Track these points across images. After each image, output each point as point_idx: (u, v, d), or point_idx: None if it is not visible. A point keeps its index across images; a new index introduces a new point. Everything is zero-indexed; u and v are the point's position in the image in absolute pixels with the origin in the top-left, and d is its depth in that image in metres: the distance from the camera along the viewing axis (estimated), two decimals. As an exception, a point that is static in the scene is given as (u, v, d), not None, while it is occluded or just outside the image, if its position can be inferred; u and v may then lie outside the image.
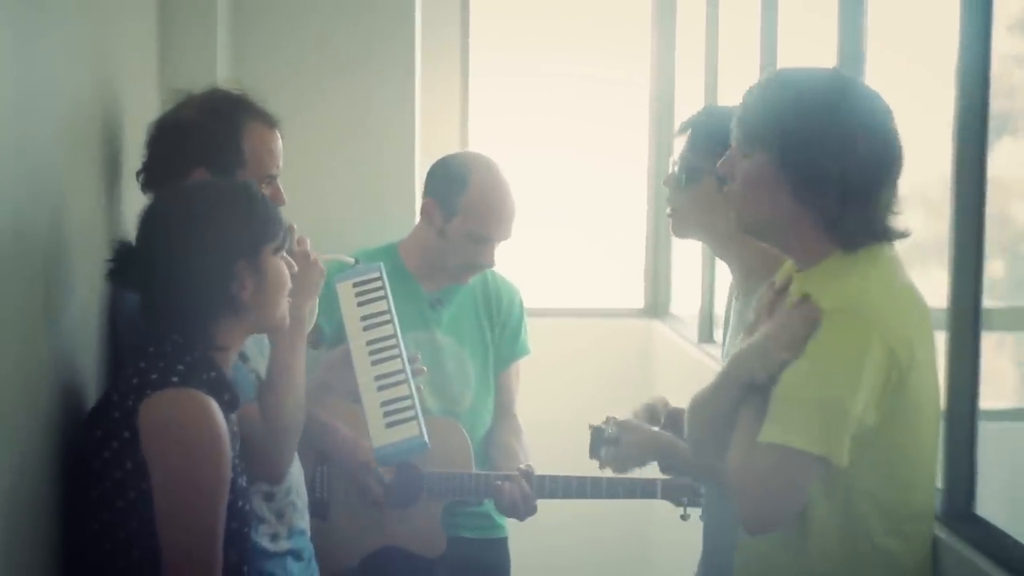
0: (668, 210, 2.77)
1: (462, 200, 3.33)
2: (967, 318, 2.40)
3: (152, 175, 2.71)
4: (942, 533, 2.31)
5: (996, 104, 2.36)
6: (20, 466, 2.02)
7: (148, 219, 2.31)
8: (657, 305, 5.50)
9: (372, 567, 3.31)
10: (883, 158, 2.18)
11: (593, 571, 5.25)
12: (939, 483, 2.41)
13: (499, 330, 3.50)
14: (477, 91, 5.40)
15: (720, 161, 2.30)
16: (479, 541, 3.46)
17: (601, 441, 2.84)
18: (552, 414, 4.56)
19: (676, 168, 2.72)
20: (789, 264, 2.34)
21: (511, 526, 3.50)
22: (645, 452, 2.80)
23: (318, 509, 3.24)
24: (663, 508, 3.31)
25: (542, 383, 4.15)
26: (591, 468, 3.66)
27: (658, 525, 4.99)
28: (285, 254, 2.34)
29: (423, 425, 2.82)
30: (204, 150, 2.64)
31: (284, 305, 2.34)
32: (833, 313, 2.14)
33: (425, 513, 3.31)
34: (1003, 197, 2.63)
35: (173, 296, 2.23)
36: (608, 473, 2.95)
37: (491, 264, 3.37)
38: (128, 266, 2.26)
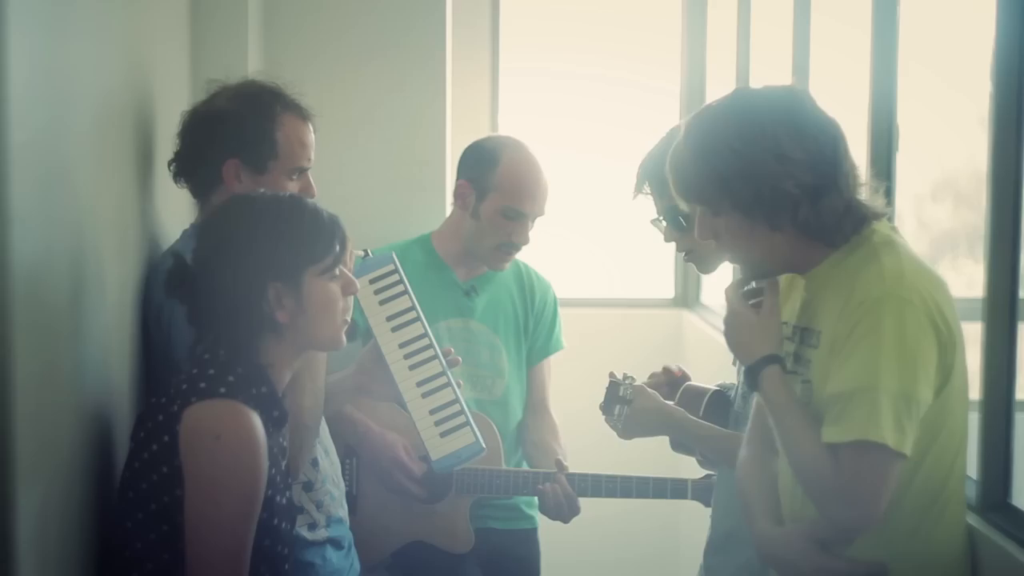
0: (683, 255, 2.77)
1: (494, 177, 3.33)
2: (1003, 309, 2.38)
3: (184, 164, 2.72)
4: (977, 523, 2.30)
5: None
6: (56, 466, 2.03)
7: (203, 231, 2.29)
8: (687, 295, 5.48)
9: (403, 562, 3.32)
10: (821, 146, 2.14)
11: (623, 562, 5.24)
12: (974, 473, 2.40)
13: (534, 322, 3.50)
14: (506, 89, 5.38)
15: (696, 231, 2.27)
16: (509, 532, 3.46)
17: (615, 398, 2.82)
18: (581, 404, 4.53)
19: (664, 223, 2.73)
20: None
21: (540, 516, 3.49)
22: (654, 422, 2.78)
23: (348, 503, 3.24)
24: (694, 509, 3.30)
25: (572, 373, 4.14)
26: (619, 457, 3.67)
27: (688, 517, 4.98)
28: (341, 271, 2.28)
29: (476, 429, 2.82)
30: (237, 140, 2.64)
31: (333, 326, 2.28)
32: (879, 301, 2.10)
33: (453, 509, 3.32)
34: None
35: (212, 312, 2.22)
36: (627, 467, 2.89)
37: (525, 241, 3.36)
38: (179, 279, 2.24)
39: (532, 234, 3.37)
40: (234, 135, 2.65)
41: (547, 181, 3.38)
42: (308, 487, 2.71)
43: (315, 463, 2.72)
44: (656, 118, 5.50)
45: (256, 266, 2.20)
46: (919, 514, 2.17)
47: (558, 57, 5.52)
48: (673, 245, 2.77)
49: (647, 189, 2.75)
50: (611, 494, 3.29)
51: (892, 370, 2.07)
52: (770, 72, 4.48)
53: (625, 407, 2.80)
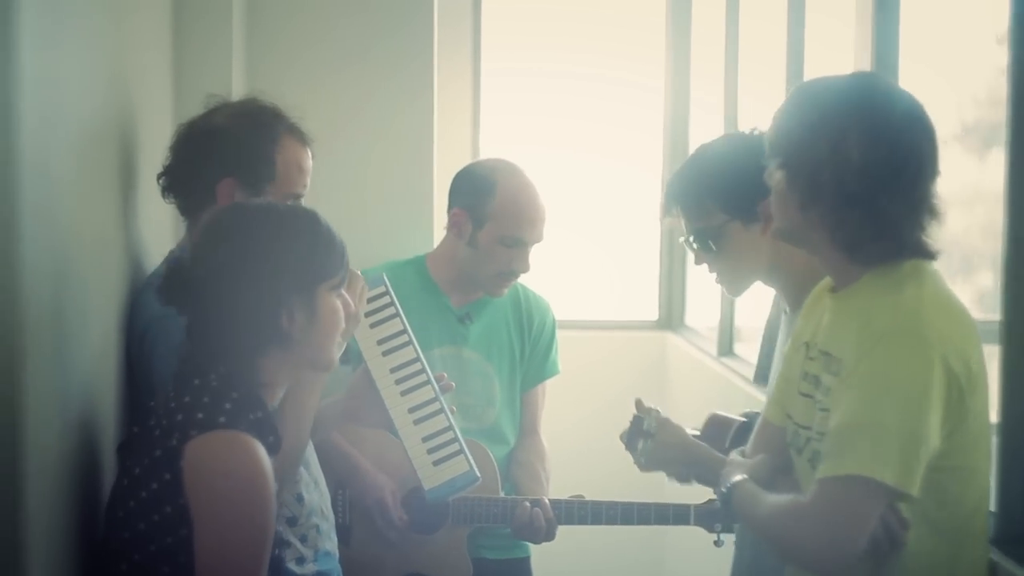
0: (715, 279, 2.69)
1: (491, 206, 3.24)
2: (1021, 332, 2.30)
3: (175, 179, 2.62)
4: (997, 557, 2.22)
5: (989, 115, 2.26)
6: (40, 493, 1.93)
7: (207, 236, 2.18)
8: (671, 317, 5.41)
9: None
10: (883, 164, 2.06)
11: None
12: (992, 505, 2.32)
13: (530, 348, 3.42)
14: (488, 91, 5.30)
15: (766, 172, 2.22)
16: (502, 562, 3.37)
17: (639, 432, 2.73)
18: (566, 426, 4.50)
19: (695, 243, 2.65)
20: (825, 282, 2.26)
21: (533, 545, 3.40)
22: (677, 456, 2.69)
23: (341, 534, 3.13)
24: (682, 532, 3.22)
25: (555, 395, 4.08)
26: (605, 480, 3.59)
27: (676, 547, 4.91)
28: (344, 292, 2.22)
29: (470, 458, 2.73)
30: (236, 160, 2.55)
31: (335, 345, 2.21)
32: (891, 335, 2.02)
33: (450, 539, 3.23)
34: (996, 207, 2.53)
35: (222, 322, 2.11)
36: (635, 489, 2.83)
37: (526, 269, 3.28)
38: (180, 285, 2.13)
39: (531, 260, 3.28)
40: (233, 153, 2.56)
41: (544, 206, 3.30)
42: (292, 522, 2.60)
43: (299, 498, 2.62)
44: (640, 116, 5.44)
45: (277, 278, 2.11)
46: (941, 554, 2.09)
47: (540, 57, 5.46)
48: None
49: (676, 212, 2.67)
50: (611, 521, 3.20)
51: (897, 406, 1.99)
52: (758, 68, 4.42)
53: (649, 441, 2.71)
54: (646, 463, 2.72)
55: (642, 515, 3.18)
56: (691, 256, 2.73)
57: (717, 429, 2.76)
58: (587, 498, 3.24)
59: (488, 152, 5.18)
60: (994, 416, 2.25)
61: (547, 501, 3.20)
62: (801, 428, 2.20)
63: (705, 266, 2.66)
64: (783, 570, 2.30)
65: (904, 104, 2.12)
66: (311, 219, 2.20)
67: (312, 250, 2.15)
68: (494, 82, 5.32)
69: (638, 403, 2.76)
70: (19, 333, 1.85)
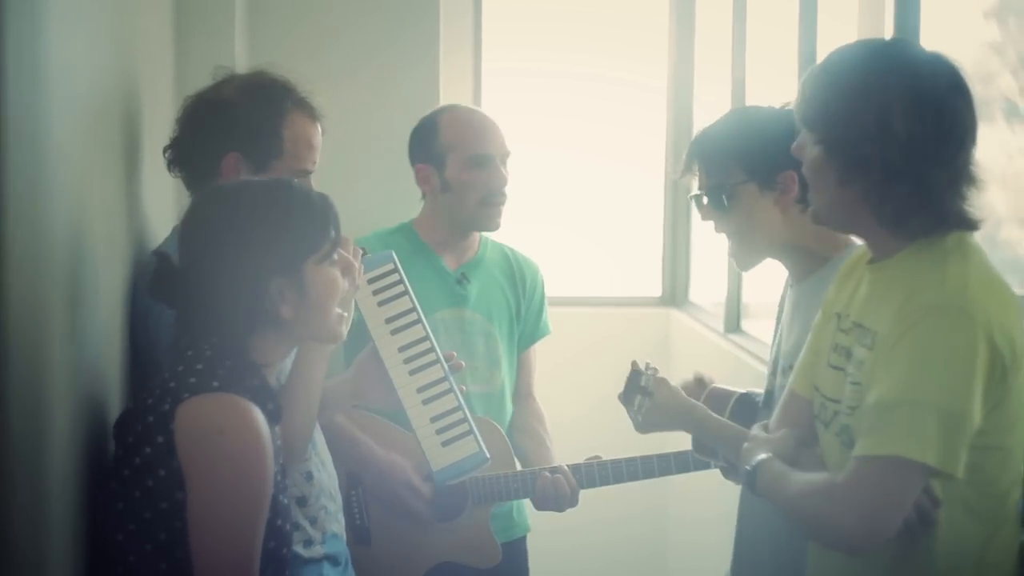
0: (728, 250, 2.64)
1: (441, 140, 3.23)
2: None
3: (181, 152, 2.57)
4: (1024, 539, 2.18)
5: (977, 91, 2.20)
6: (42, 475, 1.88)
7: (187, 225, 2.14)
8: (675, 293, 5.37)
9: None
10: (929, 136, 2.00)
11: (612, 566, 5.13)
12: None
13: (525, 307, 3.38)
14: (489, 90, 5.23)
15: (794, 144, 2.17)
16: (504, 545, 3.30)
17: (636, 388, 2.66)
18: (569, 403, 4.45)
19: (706, 200, 2.60)
20: (862, 249, 2.20)
21: (532, 524, 3.42)
22: (675, 416, 2.63)
23: (360, 535, 3.11)
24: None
25: (558, 372, 4.05)
26: (606, 455, 3.55)
27: (676, 524, 4.88)
28: (339, 254, 2.16)
29: (480, 438, 2.68)
30: (242, 134, 2.50)
31: (333, 317, 2.16)
32: (935, 310, 1.96)
33: (474, 522, 3.18)
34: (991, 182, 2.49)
35: (207, 313, 2.07)
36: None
37: (504, 182, 3.23)
38: (164, 279, 2.10)
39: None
40: (239, 127, 2.50)
41: (494, 120, 3.27)
42: (302, 502, 2.56)
43: (309, 476, 2.58)
44: (643, 116, 5.39)
45: (255, 264, 2.06)
46: (973, 534, 2.04)
47: (542, 56, 5.40)
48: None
49: (695, 167, 2.63)
50: (633, 477, 3.16)
51: (940, 384, 1.93)
52: (763, 69, 4.36)
53: (646, 399, 2.64)
54: (643, 422, 2.66)
55: (663, 466, 3.13)
56: (695, 227, 2.68)
57: (716, 403, 2.70)
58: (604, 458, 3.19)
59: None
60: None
61: (567, 467, 3.16)
62: (829, 401, 2.16)
63: (707, 255, 2.61)
64: (783, 545, 2.26)
65: (945, 70, 2.05)
66: (288, 194, 2.13)
67: (292, 227, 2.09)
68: (494, 82, 5.26)
69: (634, 362, 2.70)
70: (42, 311, 1.83)
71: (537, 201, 5.33)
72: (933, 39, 3.13)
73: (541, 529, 3.57)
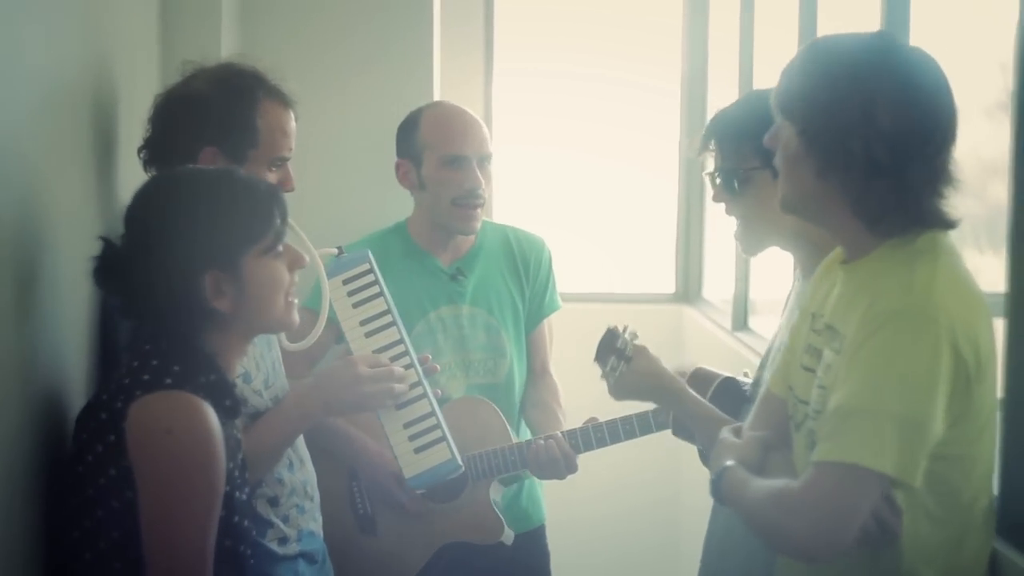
0: (734, 232, 2.58)
1: (419, 137, 3.21)
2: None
3: (156, 152, 2.54)
4: (999, 545, 2.11)
5: None
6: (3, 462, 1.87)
7: (129, 211, 2.10)
8: (688, 290, 5.32)
9: (440, 569, 3.16)
10: (913, 131, 1.95)
11: (625, 557, 5.10)
12: (995, 490, 2.21)
13: (530, 290, 3.34)
14: (502, 90, 5.20)
15: (768, 134, 2.11)
16: (521, 536, 3.27)
17: (611, 348, 2.58)
18: (581, 399, 4.40)
19: (719, 181, 2.54)
20: (837, 251, 2.15)
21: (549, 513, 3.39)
22: (649, 385, 2.56)
23: (366, 525, 3.12)
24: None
25: (571, 368, 4.01)
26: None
27: (689, 513, 4.83)
28: (285, 246, 2.13)
29: (452, 446, 2.66)
30: (216, 127, 2.48)
31: (281, 304, 2.12)
32: (898, 314, 1.90)
33: (475, 500, 3.15)
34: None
35: (147, 306, 2.06)
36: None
37: (477, 185, 3.19)
38: (108, 265, 2.07)
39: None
40: (212, 122, 2.48)
41: (476, 121, 3.24)
42: (274, 502, 2.54)
43: (280, 479, 2.56)
44: (656, 118, 5.35)
45: (189, 255, 2.03)
46: (940, 543, 1.98)
47: (555, 57, 5.37)
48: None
49: (712, 146, 2.57)
50: (629, 435, 3.07)
51: (901, 392, 1.87)
52: (774, 72, 4.29)
53: (621, 362, 2.56)
54: (615, 385, 2.58)
55: (659, 421, 3.04)
56: (708, 223, 2.63)
57: (700, 385, 2.64)
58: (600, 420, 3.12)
59: (495, 151, 5.12)
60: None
61: (559, 433, 3.11)
62: (800, 402, 2.11)
63: (720, 252, 2.56)
64: (753, 541, 2.21)
65: (930, 66, 2.01)
66: (225, 183, 2.10)
67: (228, 219, 2.06)
68: (506, 82, 5.22)
69: (610, 325, 2.63)
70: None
71: (555, 200, 5.33)
72: (981, 31, 3.09)
73: (555, 521, 3.54)
